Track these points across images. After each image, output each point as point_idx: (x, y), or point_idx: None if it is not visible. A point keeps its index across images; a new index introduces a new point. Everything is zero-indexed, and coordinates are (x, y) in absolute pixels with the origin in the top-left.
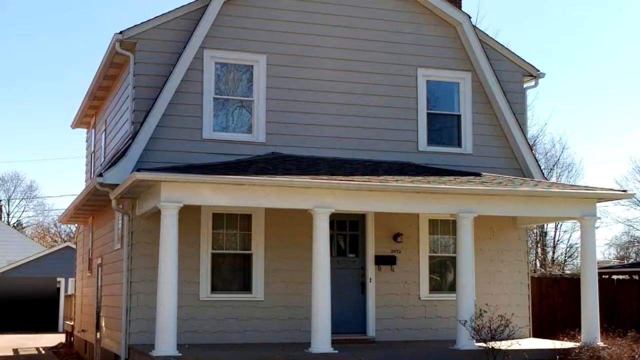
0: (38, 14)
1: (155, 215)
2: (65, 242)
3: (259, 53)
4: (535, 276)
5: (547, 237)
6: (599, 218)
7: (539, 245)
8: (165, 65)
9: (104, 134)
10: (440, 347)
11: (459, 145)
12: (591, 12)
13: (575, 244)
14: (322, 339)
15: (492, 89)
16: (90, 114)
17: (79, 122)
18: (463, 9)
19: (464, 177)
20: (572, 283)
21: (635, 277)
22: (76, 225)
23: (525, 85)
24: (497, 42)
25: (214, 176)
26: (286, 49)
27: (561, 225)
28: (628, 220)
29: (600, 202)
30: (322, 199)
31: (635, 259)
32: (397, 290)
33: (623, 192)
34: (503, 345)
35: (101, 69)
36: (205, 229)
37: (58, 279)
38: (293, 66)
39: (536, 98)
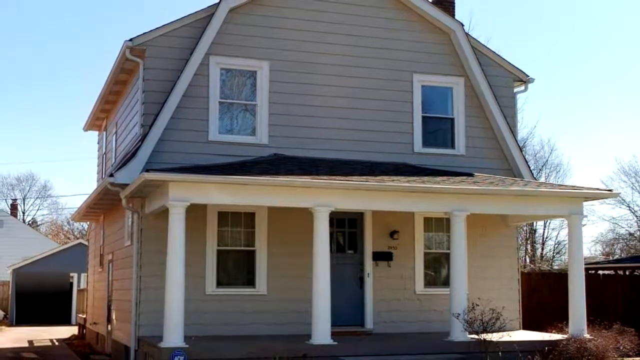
0: (50, 20)
1: (163, 214)
2: (77, 239)
3: (262, 59)
4: (525, 271)
5: (537, 234)
6: (586, 216)
7: (528, 242)
8: (173, 71)
9: (114, 136)
10: (435, 339)
11: (453, 146)
12: (579, 19)
13: (563, 240)
14: (322, 331)
15: (484, 93)
16: (101, 117)
17: (91, 125)
18: (456, 17)
19: (457, 177)
20: (560, 278)
21: (620, 272)
22: (88, 223)
23: (515, 90)
24: (488, 48)
25: (219, 176)
26: (288, 55)
27: (550, 223)
28: (613, 218)
29: (587, 201)
30: (322, 198)
31: (620, 255)
32: (393, 284)
33: (609, 192)
34: (494, 337)
35: (112, 75)
36: (211, 226)
37: (71, 274)
38: (294, 72)
39: (526, 102)
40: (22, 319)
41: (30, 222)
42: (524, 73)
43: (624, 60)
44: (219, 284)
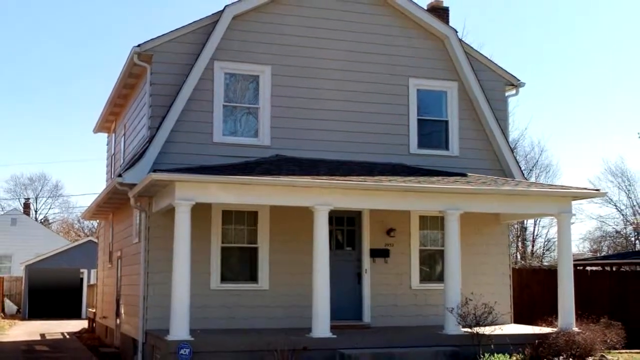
0: (61, 25)
1: (170, 212)
2: (87, 236)
3: (265, 64)
4: (516, 268)
5: (527, 232)
6: (574, 214)
7: (519, 239)
8: (179, 75)
9: (123, 137)
10: (430, 332)
11: (447, 148)
12: (569, 24)
13: (553, 238)
14: (322, 325)
15: (476, 97)
16: (110, 119)
17: (100, 127)
18: (450, 24)
19: (451, 177)
20: (550, 274)
21: (608, 268)
22: (98, 221)
23: (507, 94)
24: (481, 54)
25: (223, 176)
26: (289, 60)
27: (540, 221)
28: (600, 216)
29: (575, 200)
30: (322, 197)
31: (608, 252)
32: (390, 280)
33: (596, 191)
34: (487, 330)
35: (120, 79)
36: (216, 224)
37: (81, 270)
38: (296, 76)
39: (517, 105)
40: (35, 313)
41: (42, 221)
42: (515, 77)
43: (613, 65)
44: (223, 279)
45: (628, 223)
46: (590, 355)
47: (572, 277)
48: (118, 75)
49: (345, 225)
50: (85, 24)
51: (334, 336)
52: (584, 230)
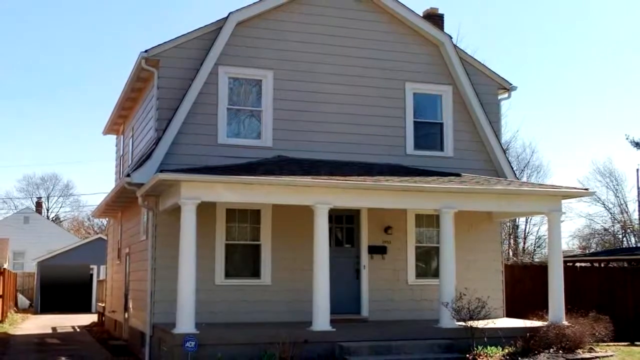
0: (72, 31)
1: (176, 211)
2: (97, 234)
3: (267, 69)
4: (508, 264)
5: (519, 230)
6: (564, 213)
7: (511, 236)
8: (185, 80)
9: (131, 139)
10: (425, 326)
11: (442, 149)
12: (559, 31)
13: (543, 235)
14: (322, 319)
15: (470, 100)
16: (119, 122)
17: (109, 129)
18: (445, 30)
19: (446, 177)
20: (541, 270)
21: (596, 264)
22: (107, 219)
23: (499, 97)
24: (475, 59)
25: (227, 176)
26: (291, 65)
27: (531, 219)
28: (589, 214)
29: (565, 199)
30: (322, 196)
31: (596, 249)
32: (387, 276)
33: (585, 190)
34: (480, 324)
35: (129, 83)
36: (220, 222)
37: (91, 266)
38: (297, 80)
39: (509, 108)
40: (46, 307)
41: (53, 219)
42: (508, 81)
43: (603, 68)
44: (227, 275)
45: (616, 221)
46: (580, 348)
47: (562, 273)
48: (126, 79)
49: (344, 223)
50: (95, 30)
51: (334, 329)
52: (573, 228)
